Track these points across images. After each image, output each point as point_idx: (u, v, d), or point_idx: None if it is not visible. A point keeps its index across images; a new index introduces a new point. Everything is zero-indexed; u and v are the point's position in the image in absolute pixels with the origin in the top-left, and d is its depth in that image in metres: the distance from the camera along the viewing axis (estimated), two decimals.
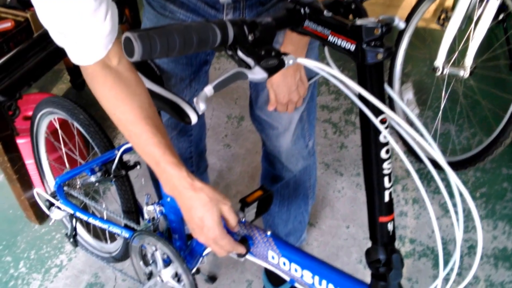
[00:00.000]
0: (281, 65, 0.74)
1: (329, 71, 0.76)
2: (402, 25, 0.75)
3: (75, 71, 2.59)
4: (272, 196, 1.26)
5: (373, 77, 0.76)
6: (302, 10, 0.77)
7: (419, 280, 1.76)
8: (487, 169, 2.17)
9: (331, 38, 0.75)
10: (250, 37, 0.72)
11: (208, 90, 0.68)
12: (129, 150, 1.38)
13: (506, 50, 2.43)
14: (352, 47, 0.73)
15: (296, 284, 1.04)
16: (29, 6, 1.72)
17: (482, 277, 1.75)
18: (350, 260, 1.84)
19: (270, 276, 1.72)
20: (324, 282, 0.96)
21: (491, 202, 2.02)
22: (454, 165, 2.02)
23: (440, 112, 2.10)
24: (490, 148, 1.94)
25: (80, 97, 2.61)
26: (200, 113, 0.69)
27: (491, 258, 1.81)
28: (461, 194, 0.78)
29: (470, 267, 1.78)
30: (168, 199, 1.26)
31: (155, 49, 0.65)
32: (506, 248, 1.86)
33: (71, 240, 1.65)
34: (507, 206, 2.02)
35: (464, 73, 1.89)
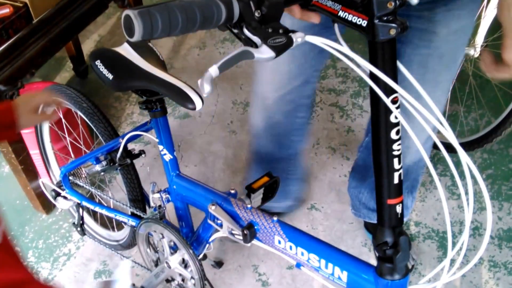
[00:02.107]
0: (289, 43, 0.69)
1: (340, 48, 0.71)
2: (415, 0, 0.70)
3: (77, 59, 2.53)
4: (278, 182, 1.23)
5: (386, 55, 0.72)
6: None
7: (424, 261, 1.73)
8: (494, 150, 2.11)
9: (341, 14, 0.71)
10: (256, 14, 0.67)
11: (213, 70, 0.63)
12: (133, 138, 1.34)
13: None
14: (363, 22, 0.69)
15: (302, 268, 1.01)
16: None
17: (485, 257, 1.72)
18: (355, 243, 1.80)
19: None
20: (330, 265, 0.94)
21: (497, 184, 1.97)
22: (461, 147, 1.96)
23: (449, 93, 2.04)
24: (499, 128, 1.88)
25: (83, 85, 2.56)
26: (205, 95, 0.64)
27: (495, 239, 1.78)
28: (472, 176, 0.74)
29: (475, 248, 1.74)
30: (175, 187, 1.23)
31: (156, 28, 0.60)
32: (511, 229, 1.82)
33: (78, 229, 1.62)
34: None
35: (475, 52, 1.82)
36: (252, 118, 1.55)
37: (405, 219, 1.71)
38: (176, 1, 0.62)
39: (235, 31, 0.70)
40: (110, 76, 1.16)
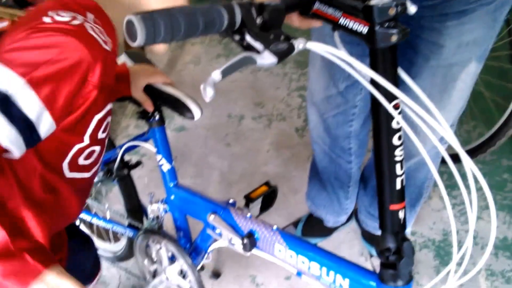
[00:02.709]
0: (290, 49, 0.69)
1: (340, 55, 0.71)
2: (413, 9, 0.70)
3: None
4: (277, 192, 1.22)
5: (387, 61, 0.72)
6: None
7: (420, 271, 1.72)
8: (487, 161, 2.12)
9: (342, 21, 0.70)
10: (258, 20, 0.67)
11: (216, 75, 0.62)
12: (131, 149, 1.32)
13: (508, 41, 2.39)
14: (364, 29, 0.68)
15: (303, 277, 0.99)
16: (26, 4, 1.65)
17: (483, 266, 1.71)
18: (352, 253, 1.79)
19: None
20: (332, 273, 0.93)
21: (492, 193, 1.96)
22: (455, 158, 1.97)
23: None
24: (493, 139, 1.89)
25: None
26: (207, 100, 0.63)
27: (492, 248, 1.77)
28: (476, 180, 0.73)
29: (472, 257, 1.73)
30: (172, 197, 1.22)
31: (159, 33, 0.59)
32: (507, 237, 1.82)
33: None
34: (508, 197, 1.98)
35: None
36: (308, 114, 1.52)
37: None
38: (179, 7, 0.62)
39: (237, 37, 0.69)
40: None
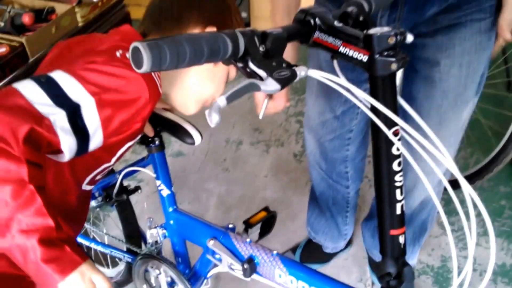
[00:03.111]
0: (293, 76, 0.70)
1: (341, 82, 0.72)
2: (410, 38, 0.71)
3: None
4: (275, 217, 1.22)
5: (386, 88, 0.73)
6: (312, 21, 0.73)
7: None
8: (485, 187, 2.13)
9: (342, 49, 0.72)
10: (261, 49, 0.68)
11: (221, 101, 0.63)
12: (130, 174, 1.32)
13: (504, 69, 2.42)
14: (364, 58, 0.70)
15: None
16: (24, 31, 1.67)
17: None
18: (350, 279, 1.78)
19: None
20: None
21: (490, 220, 1.98)
22: (453, 184, 1.97)
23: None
24: (490, 165, 1.91)
25: None
26: (212, 125, 0.64)
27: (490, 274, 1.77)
28: (475, 206, 0.74)
29: (471, 283, 1.73)
30: (172, 222, 1.21)
31: (164, 60, 0.60)
32: (505, 264, 1.82)
33: None
34: (505, 223, 1.98)
35: None
36: (305, 139, 1.53)
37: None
38: (184, 35, 0.63)
39: (240, 65, 0.70)
40: None
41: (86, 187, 1.01)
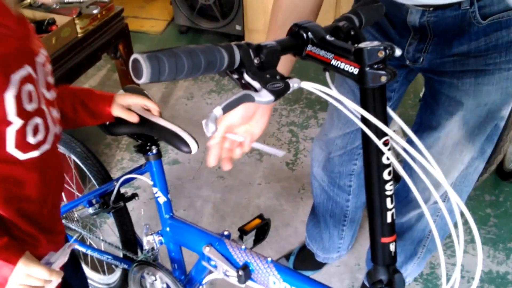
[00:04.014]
0: (286, 88, 0.71)
1: (332, 93, 0.73)
2: (398, 52, 0.73)
3: None
4: (269, 224, 1.23)
5: (376, 100, 0.74)
6: (305, 35, 0.75)
7: None
8: (471, 196, 2.13)
9: (334, 62, 0.73)
10: (256, 61, 0.69)
11: (217, 111, 0.64)
12: (127, 181, 1.33)
13: None
14: (355, 70, 0.71)
15: None
16: (40, 31, 1.67)
17: None
18: (342, 286, 1.79)
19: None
20: None
21: (476, 228, 1.99)
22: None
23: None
24: None
25: (74, 132, 2.55)
26: (209, 134, 0.65)
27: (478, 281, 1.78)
28: (462, 214, 0.75)
29: None
30: (168, 229, 1.22)
31: (163, 71, 0.61)
32: (491, 270, 1.83)
33: None
34: (491, 231, 2.00)
35: None
36: (313, 151, 1.54)
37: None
38: (182, 47, 0.64)
39: (235, 76, 0.71)
40: (107, 121, 1.16)
41: (28, 155, 0.83)
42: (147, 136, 1.17)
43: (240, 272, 0.99)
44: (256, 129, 0.99)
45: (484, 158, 1.24)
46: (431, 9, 1.01)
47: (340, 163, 1.44)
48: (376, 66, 0.69)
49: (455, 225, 0.76)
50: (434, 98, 1.16)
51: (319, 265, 1.84)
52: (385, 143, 0.76)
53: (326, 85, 0.74)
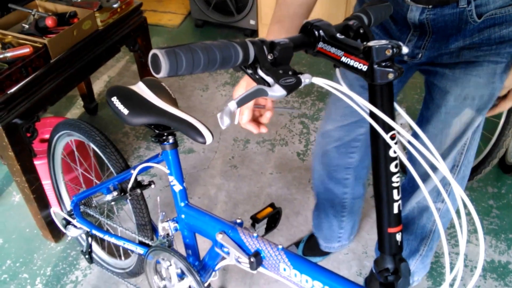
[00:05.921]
0: (298, 83, 0.72)
1: (342, 89, 0.74)
2: (405, 50, 0.74)
3: (88, 97, 2.57)
4: (281, 213, 1.24)
5: (384, 96, 0.75)
6: (316, 33, 0.76)
7: None
8: (474, 188, 2.16)
9: (344, 59, 0.74)
10: (269, 57, 0.71)
11: (232, 105, 0.66)
12: (144, 170, 1.35)
13: None
14: (364, 67, 0.72)
15: None
16: (47, 33, 1.70)
17: (472, 287, 1.73)
18: (350, 273, 1.80)
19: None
20: None
21: (478, 218, 2.00)
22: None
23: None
24: (479, 168, 1.92)
25: (92, 121, 2.59)
26: (223, 127, 0.67)
27: (480, 269, 1.79)
28: (465, 206, 0.76)
29: (462, 278, 1.75)
30: (183, 216, 1.24)
31: (181, 66, 0.63)
32: (494, 260, 1.84)
33: (87, 256, 1.61)
34: (493, 222, 2.00)
35: None
36: (316, 142, 1.55)
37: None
38: (198, 43, 0.66)
39: (249, 71, 0.73)
40: (126, 112, 1.18)
41: None
42: (164, 126, 1.19)
43: (252, 259, 1.01)
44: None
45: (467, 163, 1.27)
46: (430, 6, 1.03)
47: (337, 155, 1.45)
48: (384, 64, 0.70)
49: (457, 213, 0.76)
50: (429, 91, 1.19)
51: (326, 252, 1.86)
52: (392, 137, 0.77)
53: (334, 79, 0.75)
